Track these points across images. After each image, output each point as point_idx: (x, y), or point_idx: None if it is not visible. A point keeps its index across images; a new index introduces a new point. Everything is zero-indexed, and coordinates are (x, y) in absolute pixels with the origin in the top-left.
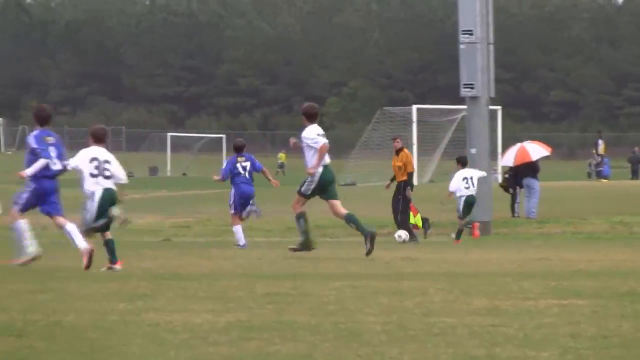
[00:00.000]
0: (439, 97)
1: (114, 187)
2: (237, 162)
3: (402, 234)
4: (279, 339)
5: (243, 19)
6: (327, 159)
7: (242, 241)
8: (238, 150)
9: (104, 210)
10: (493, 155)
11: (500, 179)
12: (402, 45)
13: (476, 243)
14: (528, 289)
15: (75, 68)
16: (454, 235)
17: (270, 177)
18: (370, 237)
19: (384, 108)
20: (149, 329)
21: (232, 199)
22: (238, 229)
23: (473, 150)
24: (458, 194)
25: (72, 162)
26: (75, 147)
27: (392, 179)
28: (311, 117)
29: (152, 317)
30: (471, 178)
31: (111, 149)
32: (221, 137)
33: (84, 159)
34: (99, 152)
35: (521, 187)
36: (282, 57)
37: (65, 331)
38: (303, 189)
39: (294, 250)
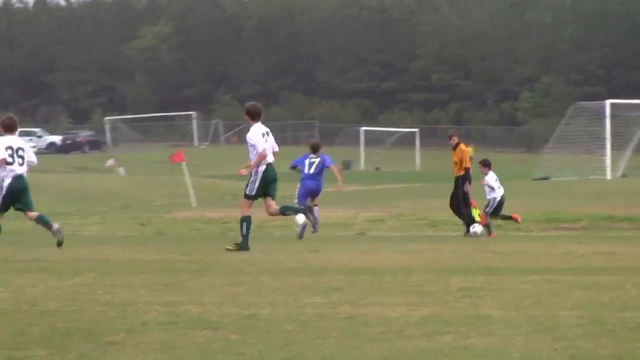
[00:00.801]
0: (631, 93)
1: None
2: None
3: (478, 228)
4: (474, 332)
5: (436, 14)
6: (269, 159)
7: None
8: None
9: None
10: None
11: None
12: (595, 41)
13: None
14: None
15: (268, 63)
16: None
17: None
18: (307, 210)
19: (577, 103)
20: (344, 322)
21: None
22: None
23: None
24: None
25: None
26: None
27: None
28: (255, 116)
29: (347, 310)
30: None
31: (304, 143)
32: (414, 132)
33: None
34: (13, 140)
35: None
36: (475, 52)
37: (261, 324)
38: (247, 190)
39: (230, 250)
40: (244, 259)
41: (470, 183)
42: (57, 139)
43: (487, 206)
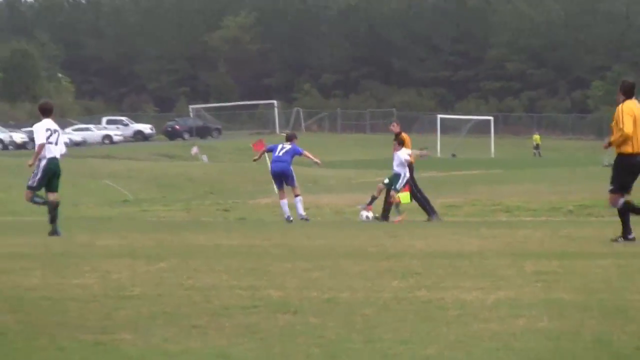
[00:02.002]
0: None
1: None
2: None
3: (365, 213)
4: (547, 316)
5: (509, 4)
6: (57, 152)
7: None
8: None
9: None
10: None
11: None
12: None
13: None
14: None
15: (347, 52)
16: None
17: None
18: (52, 205)
19: None
20: (421, 306)
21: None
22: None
23: None
24: None
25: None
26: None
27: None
28: (45, 113)
29: (424, 294)
30: None
31: (382, 131)
32: (489, 120)
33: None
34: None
35: None
36: (548, 41)
37: (340, 307)
38: (30, 182)
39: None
40: (324, 244)
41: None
42: (143, 127)
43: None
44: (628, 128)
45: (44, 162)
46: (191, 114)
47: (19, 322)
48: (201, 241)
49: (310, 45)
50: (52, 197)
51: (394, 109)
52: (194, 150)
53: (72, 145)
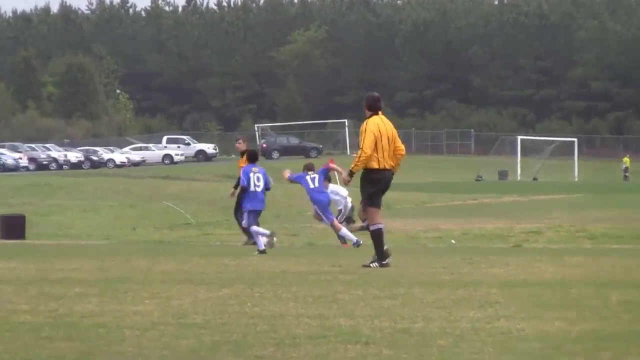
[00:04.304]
0: None
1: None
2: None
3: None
4: (635, 348)
5: (595, 20)
6: None
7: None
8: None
9: None
10: None
11: None
12: None
13: None
14: None
15: (422, 69)
16: None
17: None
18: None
19: None
20: (500, 337)
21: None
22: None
23: None
24: None
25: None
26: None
27: None
28: None
29: (503, 324)
30: None
31: (459, 152)
32: (573, 141)
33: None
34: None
35: None
36: (636, 59)
37: (414, 338)
38: None
39: None
40: (396, 271)
41: None
42: (206, 146)
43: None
44: None
45: None
46: (257, 133)
47: (74, 350)
48: (267, 267)
49: (384, 62)
50: None
51: (472, 130)
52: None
53: (130, 165)
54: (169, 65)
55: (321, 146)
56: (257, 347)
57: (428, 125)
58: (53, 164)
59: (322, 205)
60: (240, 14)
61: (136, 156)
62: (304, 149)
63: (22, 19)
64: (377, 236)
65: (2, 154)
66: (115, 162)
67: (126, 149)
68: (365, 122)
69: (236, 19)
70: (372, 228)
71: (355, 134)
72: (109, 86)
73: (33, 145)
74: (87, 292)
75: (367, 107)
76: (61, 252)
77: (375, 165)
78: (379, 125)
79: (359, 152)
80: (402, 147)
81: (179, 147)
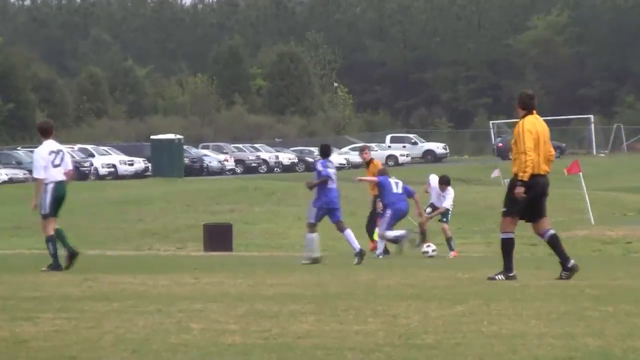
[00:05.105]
0: None
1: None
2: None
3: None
4: None
5: None
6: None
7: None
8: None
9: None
10: None
11: None
12: None
13: None
14: None
15: None
16: None
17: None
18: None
19: None
20: None
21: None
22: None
23: None
24: None
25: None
26: None
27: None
28: (45, 133)
29: None
30: None
31: None
32: None
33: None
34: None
35: None
36: None
37: None
38: (42, 211)
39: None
40: None
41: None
42: (435, 145)
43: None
44: None
45: (51, 186)
46: (491, 131)
47: None
48: (505, 280)
49: (635, 50)
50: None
51: None
52: (495, 172)
53: (349, 167)
54: (392, 55)
55: (564, 145)
56: None
57: None
58: (263, 166)
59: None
60: None
61: (356, 157)
62: None
63: (228, 4)
64: (506, 246)
65: (205, 155)
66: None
67: (345, 149)
68: (520, 122)
69: (469, 2)
70: (502, 237)
71: (602, 131)
72: (325, 78)
73: (240, 146)
74: (303, 310)
75: (521, 106)
76: (273, 264)
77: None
78: (536, 124)
79: (523, 156)
80: (553, 151)
81: (404, 146)
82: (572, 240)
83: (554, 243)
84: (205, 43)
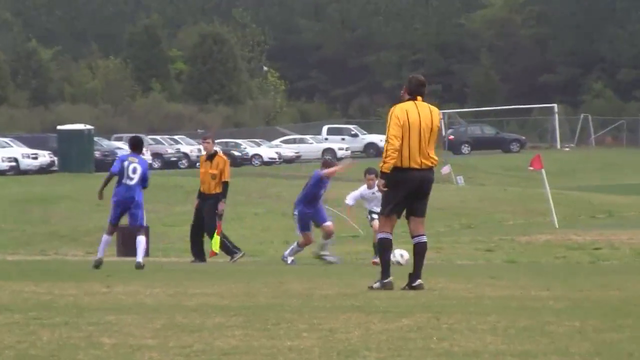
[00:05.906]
0: None
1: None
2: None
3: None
4: None
5: None
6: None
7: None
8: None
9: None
10: None
11: None
12: None
13: None
14: None
15: None
16: None
17: None
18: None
19: None
20: None
21: None
22: None
23: None
24: None
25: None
26: None
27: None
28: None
29: None
30: None
31: None
32: None
33: None
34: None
35: None
36: None
37: None
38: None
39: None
40: (620, 296)
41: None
42: (378, 138)
43: None
44: None
45: None
46: (441, 122)
47: None
48: (457, 291)
49: (603, 31)
50: None
51: None
52: (445, 169)
53: (281, 162)
54: (329, 36)
55: (524, 138)
56: None
57: None
58: (184, 161)
59: None
60: None
61: (289, 151)
62: (502, 142)
63: None
64: (382, 246)
65: (118, 148)
66: (262, 158)
67: (276, 141)
68: (393, 107)
69: None
70: (378, 236)
71: (567, 122)
72: (253, 62)
73: (158, 138)
74: (230, 323)
75: (407, 90)
76: (195, 271)
77: (397, 163)
78: (408, 112)
79: (385, 145)
80: (432, 151)
81: (343, 139)
82: (533, 246)
83: (419, 252)
84: (119, 22)
